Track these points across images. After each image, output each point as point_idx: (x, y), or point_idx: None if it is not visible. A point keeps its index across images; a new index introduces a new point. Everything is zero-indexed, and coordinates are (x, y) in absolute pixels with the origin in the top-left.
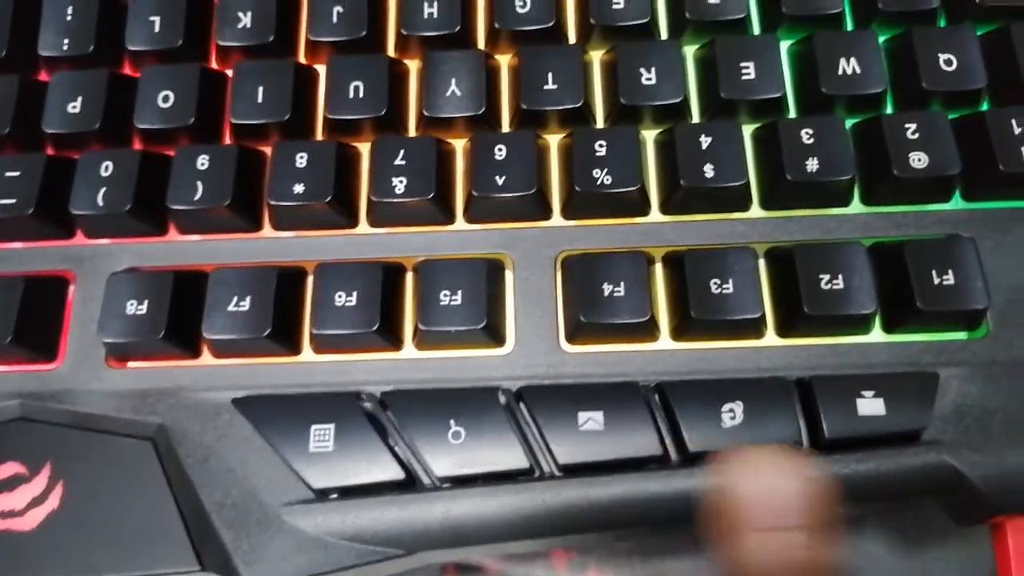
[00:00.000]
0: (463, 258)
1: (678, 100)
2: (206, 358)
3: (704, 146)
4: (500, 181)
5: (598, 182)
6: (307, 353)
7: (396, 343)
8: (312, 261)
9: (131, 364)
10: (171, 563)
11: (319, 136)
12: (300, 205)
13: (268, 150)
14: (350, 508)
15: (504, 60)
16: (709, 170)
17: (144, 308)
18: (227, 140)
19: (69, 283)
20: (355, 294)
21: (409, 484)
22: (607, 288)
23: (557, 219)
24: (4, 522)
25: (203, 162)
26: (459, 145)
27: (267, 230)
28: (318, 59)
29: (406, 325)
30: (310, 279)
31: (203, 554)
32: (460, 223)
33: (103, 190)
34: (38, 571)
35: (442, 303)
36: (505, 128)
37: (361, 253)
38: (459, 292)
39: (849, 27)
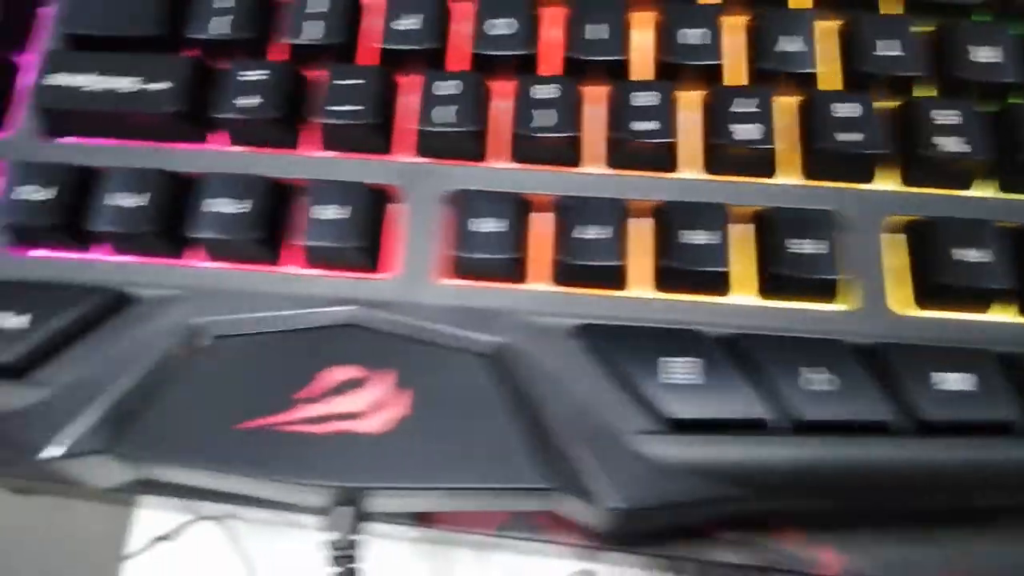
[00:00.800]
0: (815, 209)
1: (1008, 81)
2: (534, 283)
3: None
4: (840, 138)
5: (939, 149)
6: (639, 289)
7: (728, 288)
8: (639, 200)
9: (464, 282)
10: (519, 479)
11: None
12: (639, 143)
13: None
14: (702, 442)
15: (829, 25)
16: None
17: (501, 227)
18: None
19: (390, 198)
20: (702, 235)
21: (761, 425)
22: (963, 254)
23: (884, 183)
24: (345, 423)
25: (550, 92)
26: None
27: (584, 165)
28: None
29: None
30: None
31: (553, 474)
32: (786, 177)
33: (447, 109)
34: (385, 473)
35: (793, 251)
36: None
37: (693, 196)
38: (809, 242)
39: None
